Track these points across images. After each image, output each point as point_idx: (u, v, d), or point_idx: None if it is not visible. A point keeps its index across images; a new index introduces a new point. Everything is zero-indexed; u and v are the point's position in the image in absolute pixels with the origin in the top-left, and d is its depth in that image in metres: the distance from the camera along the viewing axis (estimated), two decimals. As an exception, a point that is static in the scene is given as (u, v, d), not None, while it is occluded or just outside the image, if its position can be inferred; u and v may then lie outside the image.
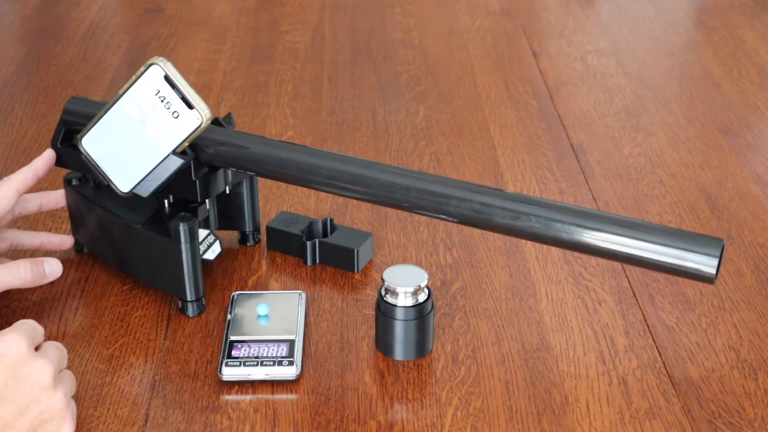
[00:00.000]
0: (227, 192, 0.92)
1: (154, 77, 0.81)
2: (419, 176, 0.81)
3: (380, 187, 0.81)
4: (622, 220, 0.75)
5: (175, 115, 0.81)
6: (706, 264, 0.72)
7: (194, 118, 0.81)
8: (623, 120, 1.26)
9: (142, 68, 0.82)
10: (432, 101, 1.31)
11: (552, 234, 0.76)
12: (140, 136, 0.83)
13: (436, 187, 0.80)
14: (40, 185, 1.10)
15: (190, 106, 0.81)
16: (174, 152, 0.83)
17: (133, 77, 0.82)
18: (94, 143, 0.86)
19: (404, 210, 0.82)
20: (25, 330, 0.71)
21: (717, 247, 0.72)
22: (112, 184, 0.86)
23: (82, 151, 0.86)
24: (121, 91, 0.83)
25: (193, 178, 0.86)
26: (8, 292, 0.91)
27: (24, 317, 0.88)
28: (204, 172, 0.87)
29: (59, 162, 0.92)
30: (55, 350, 0.73)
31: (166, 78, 0.81)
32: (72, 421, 0.72)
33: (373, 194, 0.81)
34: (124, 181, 0.86)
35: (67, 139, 0.91)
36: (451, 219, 0.79)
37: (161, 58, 0.81)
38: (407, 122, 1.25)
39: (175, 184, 0.86)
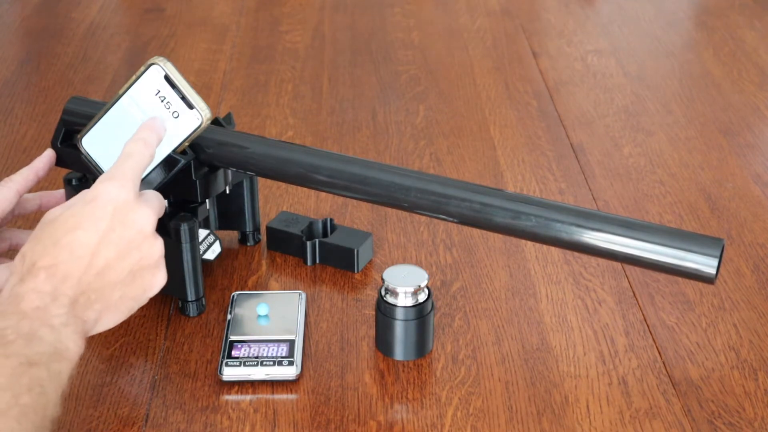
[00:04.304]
0: (227, 192, 0.92)
1: (154, 77, 0.81)
2: (419, 176, 0.81)
3: (380, 187, 0.81)
4: (621, 220, 0.75)
5: (175, 115, 0.81)
6: (705, 264, 0.72)
7: (194, 118, 0.81)
8: (623, 120, 1.26)
9: (142, 68, 0.82)
10: (432, 101, 1.31)
11: (552, 234, 0.76)
12: None
13: (436, 187, 0.80)
14: (40, 185, 1.10)
15: (190, 106, 0.81)
16: (174, 152, 0.83)
17: (133, 77, 0.82)
18: (94, 143, 0.86)
19: (404, 210, 0.82)
20: (131, 175, 0.74)
21: (717, 247, 0.72)
22: (112, 184, 0.86)
23: (82, 151, 0.86)
24: (121, 91, 0.83)
25: (193, 178, 0.86)
26: (8, 292, 0.91)
27: (24, 317, 0.88)
28: (204, 172, 0.87)
29: (59, 162, 0.92)
30: (157, 200, 0.76)
31: (166, 78, 0.81)
32: (165, 271, 0.75)
33: (373, 194, 0.81)
34: None
35: (67, 139, 0.91)
36: (451, 219, 0.79)
37: (161, 58, 0.81)
38: (407, 122, 1.25)
39: (175, 184, 0.86)
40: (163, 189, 0.86)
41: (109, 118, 0.84)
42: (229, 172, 0.90)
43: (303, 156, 0.84)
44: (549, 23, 1.58)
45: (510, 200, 0.78)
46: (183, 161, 0.83)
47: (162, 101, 0.81)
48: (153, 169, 0.84)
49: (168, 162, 0.83)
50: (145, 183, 0.85)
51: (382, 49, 1.47)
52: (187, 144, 0.83)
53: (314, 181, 0.83)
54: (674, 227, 0.76)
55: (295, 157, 0.84)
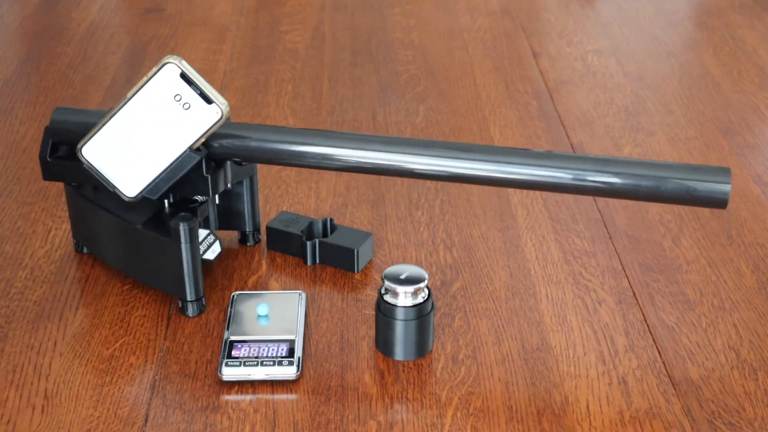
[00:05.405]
0: (228, 187, 0.92)
1: (168, 76, 0.81)
2: (449, 145, 0.83)
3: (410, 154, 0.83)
4: (639, 162, 0.80)
5: (193, 111, 0.82)
6: (719, 191, 0.78)
7: (214, 113, 0.81)
8: (623, 120, 1.26)
9: (155, 68, 0.82)
10: (432, 101, 1.31)
11: (578, 183, 0.80)
12: (151, 137, 0.83)
13: (461, 154, 0.82)
14: (39, 185, 1.10)
15: (208, 101, 0.81)
16: (190, 148, 0.83)
17: (144, 78, 0.82)
18: (96, 151, 0.85)
19: (438, 180, 0.84)
20: None
21: (726, 173, 0.78)
22: (117, 191, 0.86)
23: (83, 161, 0.86)
24: (129, 95, 0.83)
25: (205, 174, 0.86)
26: (8, 292, 0.91)
27: (24, 317, 0.88)
28: (213, 168, 0.87)
29: (49, 176, 0.91)
30: None
31: (182, 75, 0.81)
32: None
33: (395, 165, 0.83)
34: (131, 186, 0.85)
35: (55, 150, 0.91)
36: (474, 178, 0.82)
37: (174, 57, 0.81)
38: (407, 122, 1.25)
39: (185, 181, 0.86)
40: (169, 188, 0.86)
41: (114, 124, 0.84)
42: (230, 169, 0.90)
43: (316, 139, 0.84)
44: (549, 23, 1.58)
45: (535, 157, 0.82)
46: (199, 157, 0.84)
47: (177, 99, 0.81)
48: (166, 169, 0.84)
49: (184, 159, 0.83)
50: (157, 184, 0.85)
51: (382, 49, 1.47)
52: (203, 140, 0.83)
53: (335, 163, 0.84)
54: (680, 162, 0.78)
55: (303, 140, 0.84)
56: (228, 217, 0.97)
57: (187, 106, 0.81)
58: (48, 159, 0.90)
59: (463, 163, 0.82)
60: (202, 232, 0.91)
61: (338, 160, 0.84)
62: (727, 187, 0.78)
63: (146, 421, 0.77)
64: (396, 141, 0.83)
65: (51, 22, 1.57)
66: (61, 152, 0.91)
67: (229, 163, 0.89)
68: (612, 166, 0.80)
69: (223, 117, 0.81)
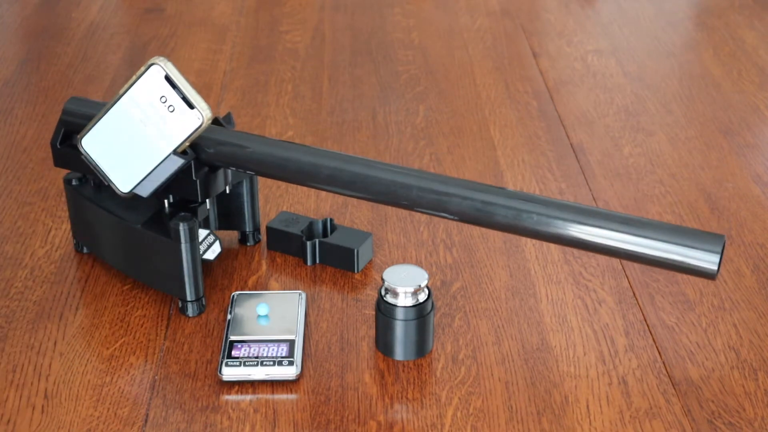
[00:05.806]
0: (227, 192, 0.92)
1: (154, 77, 0.81)
2: (420, 174, 0.81)
3: (381, 185, 0.81)
4: (623, 217, 0.76)
5: (176, 115, 0.81)
6: (707, 260, 0.72)
7: (195, 118, 0.81)
8: (623, 120, 1.26)
9: (143, 68, 0.82)
10: (432, 101, 1.31)
11: (553, 231, 0.76)
12: (140, 136, 0.83)
13: (437, 185, 0.80)
14: (39, 185, 1.10)
15: (190, 105, 0.81)
16: (175, 152, 0.83)
17: (133, 77, 0.82)
18: (94, 143, 0.86)
19: (405, 208, 0.82)
20: None
21: (718, 243, 0.72)
22: (112, 184, 0.86)
23: (82, 151, 0.86)
24: (121, 92, 0.83)
25: (194, 178, 0.86)
26: (8, 292, 0.91)
27: (24, 317, 0.88)
28: (204, 172, 0.87)
29: (59, 162, 0.92)
30: None
31: (167, 78, 0.81)
32: None
33: (374, 192, 0.81)
34: (124, 182, 0.86)
35: (66, 139, 0.91)
36: (452, 217, 0.80)
37: (161, 58, 0.81)
38: (407, 122, 1.25)
39: (176, 183, 0.86)
40: (163, 189, 0.86)
41: (109, 119, 0.84)
42: (229, 172, 0.90)
43: (304, 155, 0.84)
44: (549, 23, 1.58)
45: (511, 198, 0.78)
46: (184, 161, 0.83)
47: (162, 101, 0.81)
48: (154, 169, 0.84)
49: (168, 162, 0.83)
50: (146, 183, 0.85)
51: (382, 49, 1.47)
52: (187, 144, 0.83)
53: (316, 179, 0.83)
54: (675, 224, 0.76)
55: (295, 156, 0.84)
56: (228, 217, 0.97)
57: (171, 109, 0.81)
58: (58, 146, 0.91)
59: (426, 194, 0.80)
60: (202, 232, 0.91)
61: (332, 182, 0.83)
62: (715, 259, 0.73)
63: (146, 421, 0.77)
64: (390, 169, 0.82)
65: (51, 22, 1.57)
66: (73, 141, 0.92)
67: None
68: (595, 221, 0.76)
69: (204, 124, 0.81)
